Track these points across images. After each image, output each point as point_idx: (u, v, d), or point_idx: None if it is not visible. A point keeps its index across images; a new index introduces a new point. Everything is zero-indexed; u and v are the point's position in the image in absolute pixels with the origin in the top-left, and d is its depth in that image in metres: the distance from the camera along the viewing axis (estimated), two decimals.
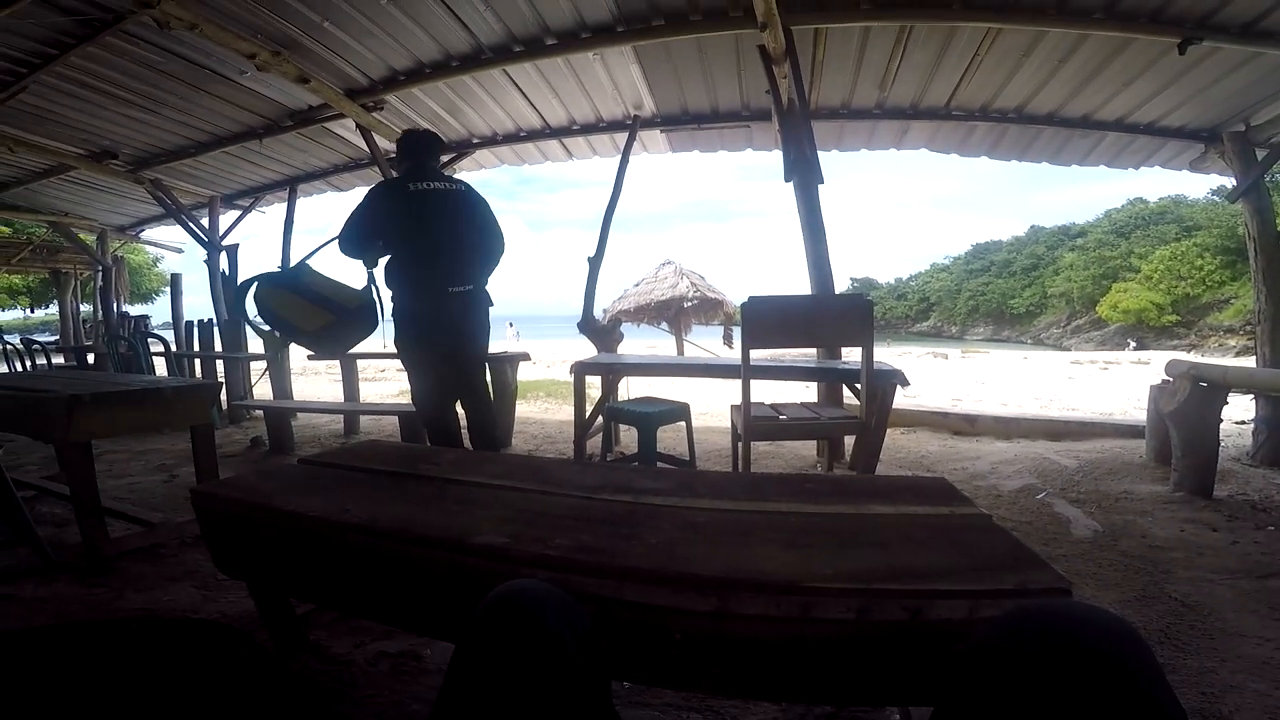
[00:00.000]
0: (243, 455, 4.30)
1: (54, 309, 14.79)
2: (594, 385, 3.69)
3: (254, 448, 4.47)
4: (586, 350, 5.05)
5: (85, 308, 11.83)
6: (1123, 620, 0.55)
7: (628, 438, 4.20)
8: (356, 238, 2.85)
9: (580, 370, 3.52)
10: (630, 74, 4.39)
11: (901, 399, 4.55)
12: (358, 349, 5.10)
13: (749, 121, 4.89)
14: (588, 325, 5.01)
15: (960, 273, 47.81)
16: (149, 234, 9.19)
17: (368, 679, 1.48)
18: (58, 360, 7.71)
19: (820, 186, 3.91)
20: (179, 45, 3.89)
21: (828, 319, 2.79)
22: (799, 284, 4.12)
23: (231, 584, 1.94)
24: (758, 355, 2.68)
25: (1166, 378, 3.43)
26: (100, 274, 9.09)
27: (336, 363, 5.42)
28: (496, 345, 3.86)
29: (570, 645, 0.63)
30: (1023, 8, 3.34)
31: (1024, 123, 4.58)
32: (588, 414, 3.58)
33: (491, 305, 3.04)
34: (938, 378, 10.91)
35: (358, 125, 4.83)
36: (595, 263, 5.04)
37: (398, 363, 3.26)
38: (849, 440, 3.57)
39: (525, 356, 4.76)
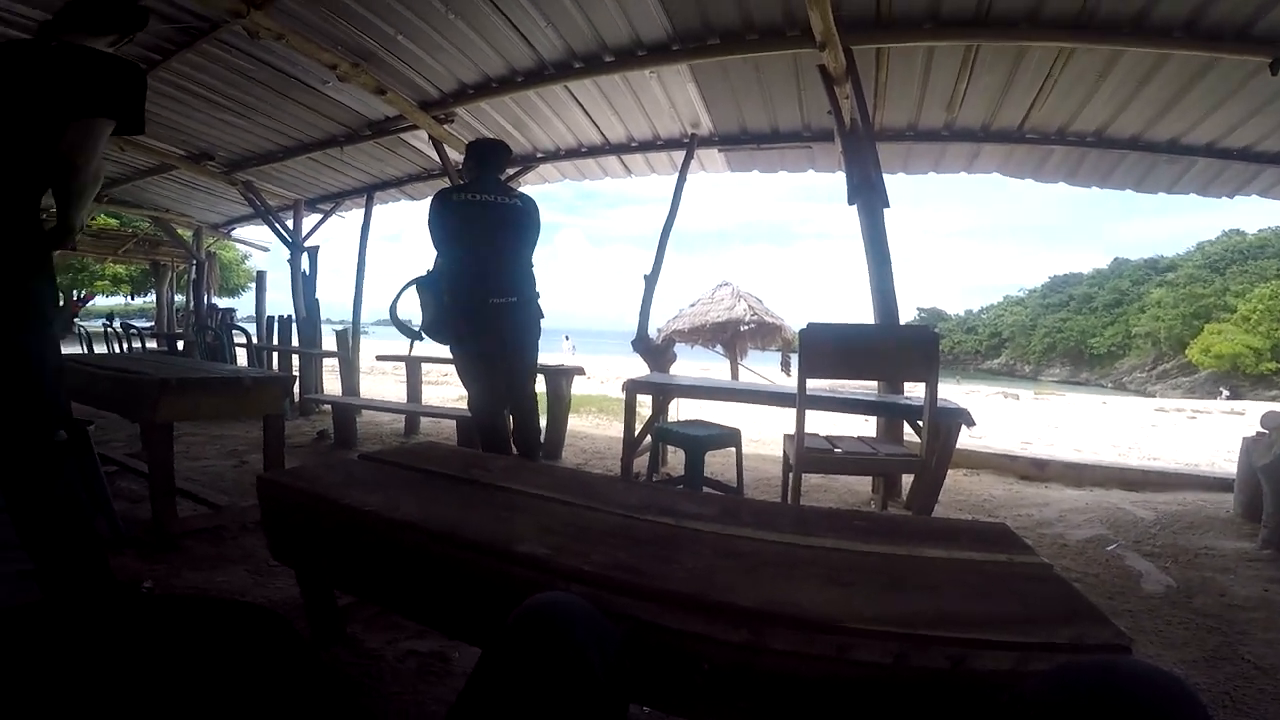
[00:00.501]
0: (309, 446, 4.52)
1: (151, 298, 15.97)
2: (645, 404, 3.69)
3: (320, 440, 4.70)
4: (640, 368, 5.07)
5: (179, 298, 12.69)
6: (1181, 680, 0.53)
7: (675, 459, 4.18)
8: (435, 245, 2.98)
9: (632, 388, 3.53)
10: (687, 92, 4.41)
11: (966, 439, 4.38)
12: (422, 353, 5.36)
13: (810, 142, 4.81)
14: (641, 344, 5.02)
15: (1035, 307, 45.66)
16: (239, 232, 9.85)
17: (395, 676, 1.51)
18: (151, 345, 8.31)
19: (885, 210, 3.81)
20: (268, 54, 4.16)
21: (890, 351, 2.70)
22: (862, 311, 4.03)
23: (281, 570, 2.02)
24: (815, 385, 2.62)
25: (1262, 430, 3.19)
26: (194, 267, 9.78)
27: (402, 364, 5.65)
28: (553, 358, 3.94)
29: (595, 664, 0.63)
30: (1095, 27, 3.20)
31: (1104, 147, 4.36)
32: (637, 432, 3.59)
33: (542, 317, 3.09)
34: (1007, 419, 10.43)
35: (430, 136, 5.04)
36: (651, 281, 5.06)
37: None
38: (906, 478, 3.45)
39: (580, 371, 4.83)
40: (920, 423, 2.61)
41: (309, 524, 1.44)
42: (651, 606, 0.94)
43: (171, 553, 2.24)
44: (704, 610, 0.91)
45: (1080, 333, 40.27)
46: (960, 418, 2.70)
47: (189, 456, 3.85)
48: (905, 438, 3.50)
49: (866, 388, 4.55)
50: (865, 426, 4.79)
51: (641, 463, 3.76)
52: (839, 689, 0.85)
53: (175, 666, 0.72)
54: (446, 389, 9.33)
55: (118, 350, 7.59)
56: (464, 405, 5.80)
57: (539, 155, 5.65)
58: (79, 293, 21.48)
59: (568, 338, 25.15)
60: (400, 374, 8.03)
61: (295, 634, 0.85)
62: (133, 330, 7.99)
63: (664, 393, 3.61)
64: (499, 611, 0.71)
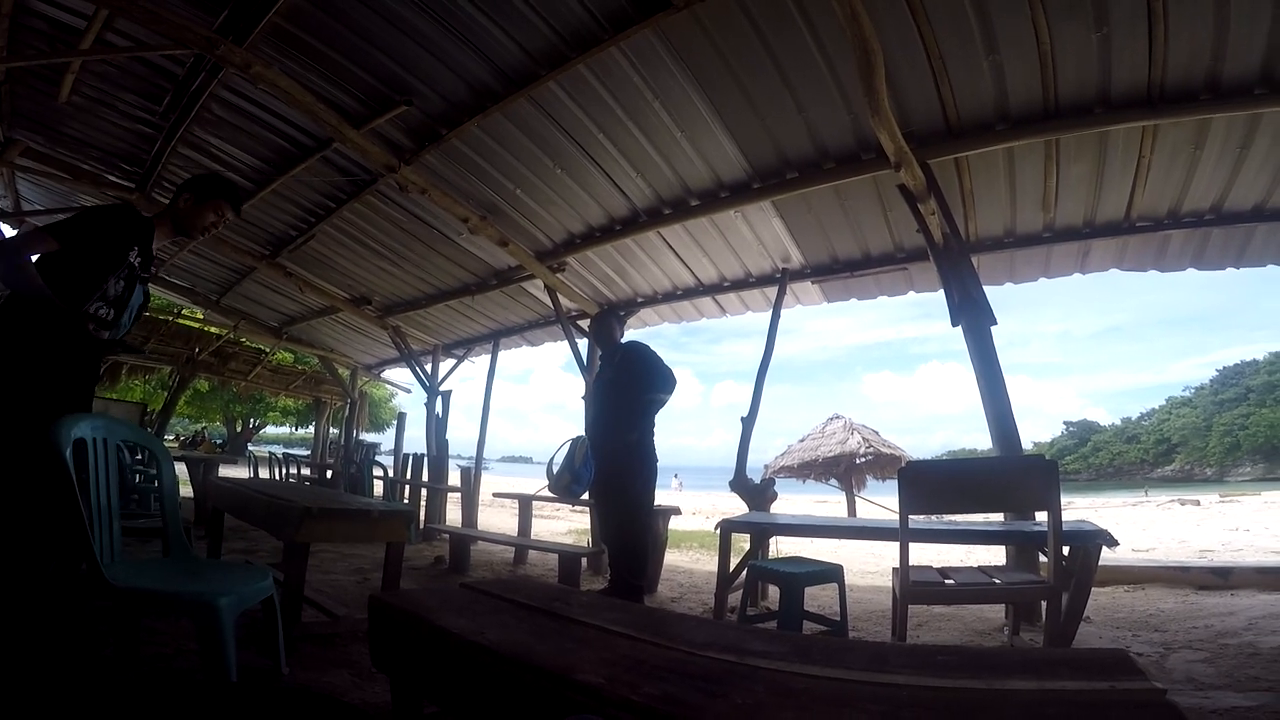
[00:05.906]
0: (425, 570, 4.80)
1: (310, 429, 18.05)
2: (745, 540, 3.70)
3: (436, 565, 5.00)
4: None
5: (334, 431, 14.26)
6: None
7: (777, 594, 4.02)
8: None
9: (726, 528, 3.57)
10: (773, 228, 4.59)
11: (1128, 555, 4.27)
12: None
13: (905, 263, 4.70)
14: (739, 483, 4.98)
15: (1207, 405, 40.61)
16: (387, 374, 11.17)
17: None
18: (305, 472, 9.35)
19: (994, 327, 3.67)
20: (416, 208, 4.99)
21: (1002, 483, 2.74)
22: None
23: (379, 678, 2.16)
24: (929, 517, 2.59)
25: None
26: (349, 405, 11.11)
27: (516, 501, 6.11)
28: (660, 496, 4.19)
29: None
30: (1170, 98, 3.07)
31: (1227, 223, 3.95)
32: (732, 569, 3.55)
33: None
34: (1183, 528, 9.47)
35: (545, 285, 5.61)
36: (748, 422, 5.06)
37: (568, 505, 3.82)
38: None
39: (676, 511, 4.98)
40: (1046, 549, 2.57)
41: (406, 639, 1.60)
42: None
43: (289, 654, 2.43)
44: None
45: (1269, 426, 34.83)
46: (1099, 539, 2.64)
47: (320, 570, 4.21)
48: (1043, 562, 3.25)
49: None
50: (996, 553, 4.42)
51: (737, 598, 3.67)
52: None
53: None
54: (556, 523, 9.59)
55: (278, 475, 8.63)
56: (569, 540, 5.98)
57: (639, 300, 6.05)
58: (254, 421, 24.68)
59: (676, 476, 25.34)
60: (515, 507, 8.55)
61: None
62: (290, 459, 9.09)
63: (758, 531, 3.60)
64: None
